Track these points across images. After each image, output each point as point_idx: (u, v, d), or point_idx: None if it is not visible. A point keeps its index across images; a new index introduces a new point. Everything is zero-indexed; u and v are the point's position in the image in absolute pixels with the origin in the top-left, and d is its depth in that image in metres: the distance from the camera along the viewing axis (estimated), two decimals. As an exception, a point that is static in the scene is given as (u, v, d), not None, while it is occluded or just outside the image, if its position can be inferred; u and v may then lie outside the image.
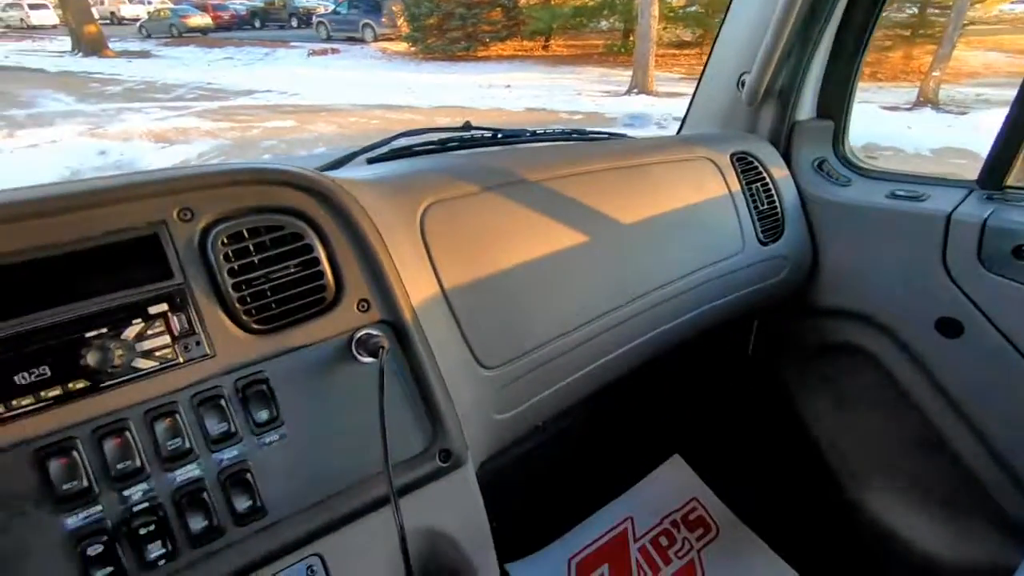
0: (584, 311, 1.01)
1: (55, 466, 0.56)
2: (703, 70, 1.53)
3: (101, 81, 11.18)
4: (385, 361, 0.67)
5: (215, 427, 0.63)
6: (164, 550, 0.60)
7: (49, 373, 0.57)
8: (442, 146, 1.25)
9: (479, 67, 12.87)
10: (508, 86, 10.66)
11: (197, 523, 0.62)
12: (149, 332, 0.61)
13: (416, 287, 0.78)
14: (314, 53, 14.47)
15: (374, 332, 0.72)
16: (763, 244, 1.26)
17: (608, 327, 1.04)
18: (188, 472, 0.62)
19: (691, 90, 1.56)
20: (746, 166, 1.31)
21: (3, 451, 0.55)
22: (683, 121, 1.60)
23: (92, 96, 9.75)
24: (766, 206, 1.29)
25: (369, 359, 0.72)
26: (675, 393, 1.73)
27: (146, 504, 0.60)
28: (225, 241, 0.65)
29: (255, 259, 0.67)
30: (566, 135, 1.39)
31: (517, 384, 0.91)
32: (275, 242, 0.68)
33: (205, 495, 0.62)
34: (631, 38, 12.56)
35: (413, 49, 14.24)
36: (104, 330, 0.59)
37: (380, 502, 0.71)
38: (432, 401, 0.76)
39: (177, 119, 8.14)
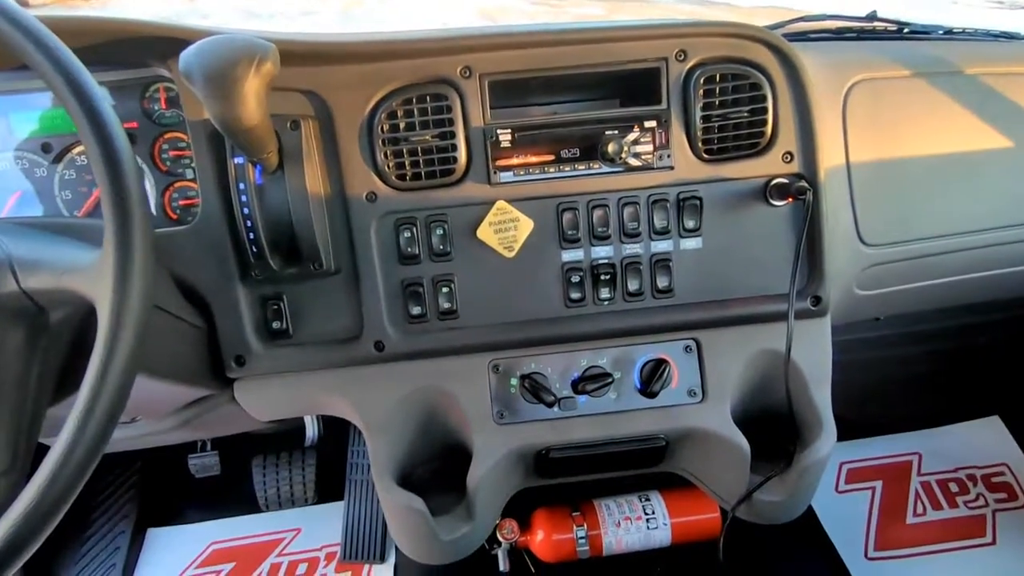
0: (975, 218, 0.98)
1: (567, 217, 0.84)
2: None
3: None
4: (809, 203, 0.79)
5: (658, 222, 0.85)
6: (609, 295, 0.86)
7: (578, 153, 0.82)
8: (837, 35, 1.24)
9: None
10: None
11: (632, 284, 0.86)
12: (641, 140, 0.83)
13: (826, 153, 0.87)
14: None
15: (791, 180, 0.84)
16: None
17: (990, 243, 1.00)
18: (634, 248, 0.86)
19: None
20: None
21: (543, 198, 0.83)
22: None
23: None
24: None
25: (780, 202, 0.86)
26: (1017, 349, 1.54)
27: (606, 261, 0.85)
28: (702, 81, 0.82)
29: (719, 99, 0.83)
30: (992, 36, 1.24)
31: (886, 268, 0.97)
32: (737, 88, 0.83)
33: (640, 267, 0.86)
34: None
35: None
36: (616, 131, 0.82)
37: (757, 317, 0.88)
38: (817, 251, 0.87)
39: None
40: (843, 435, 0.91)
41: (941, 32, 1.24)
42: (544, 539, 1.18)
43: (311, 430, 1.36)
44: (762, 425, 0.93)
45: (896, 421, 1.58)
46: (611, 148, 0.81)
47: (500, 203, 0.81)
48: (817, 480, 0.90)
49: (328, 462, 1.45)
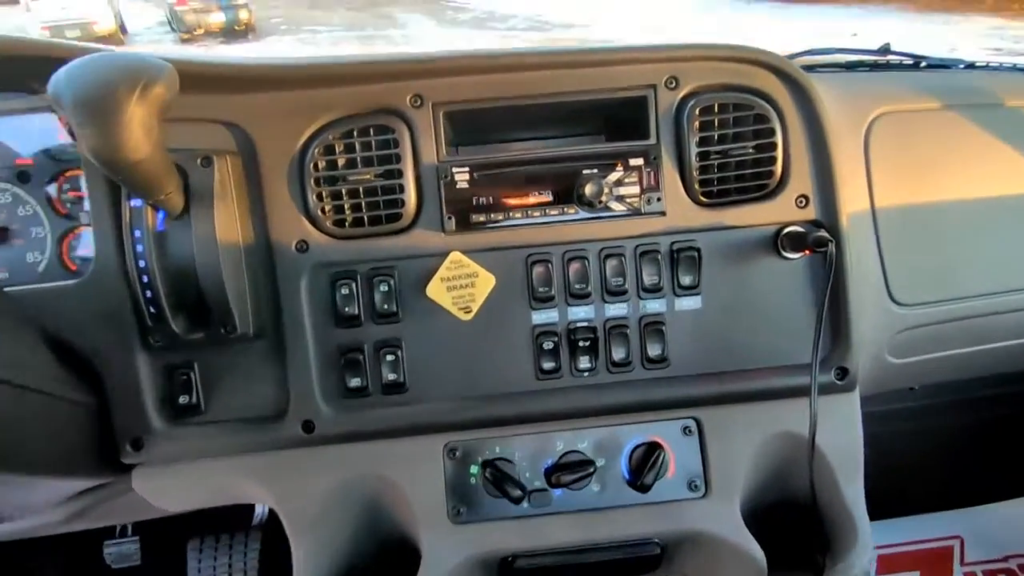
0: (1022, 273, 0.83)
1: (537, 271, 0.70)
2: None
3: (455, 10, 12.95)
4: (831, 256, 0.65)
5: (648, 278, 0.71)
6: (590, 365, 0.71)
7: (551, 196, 0.69)
8: (849, 68, 1.12)
9: (820, 10, 11.19)
10: (855, 35, 9.06)
11: (618, 352, 0.71)
12: (626, 180, 0.69)
13: (848, 196, 0.73)
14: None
15: (807, 229, 0.70)
16: None
17: None
18: (619, 309, 0.71)
19: None
20: None
21: (508, 248, 0.70)
22: None
23: (447, 23, 11.40)
24: None
25: (794, 255, 0.71)
26: None
27: (586, 323, 0.71)
28: (698, 112, 0.69)
29: (718, 133, 0.70)
30: (1019, 70, 1.11)
31: (921, 332, 0.81)
32: (739, 120, 0.70)
33: (627, 332, 0.71)
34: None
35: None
36: (596, 170, 0.69)
37: (771, 393, 0.72)
38: (842, 313, 0.72)
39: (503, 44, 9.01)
40: (874, 514, 0.74)
41: (962, 66, 1.12)
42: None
43: (260, 506, 1.19)
44: (780, 526, 0.76)
45: (933, 498, 1.39)
46: (589, 190, 0.67)
47: (455, 255, 0.68)
48: None
49: (277, 545, 1.27)
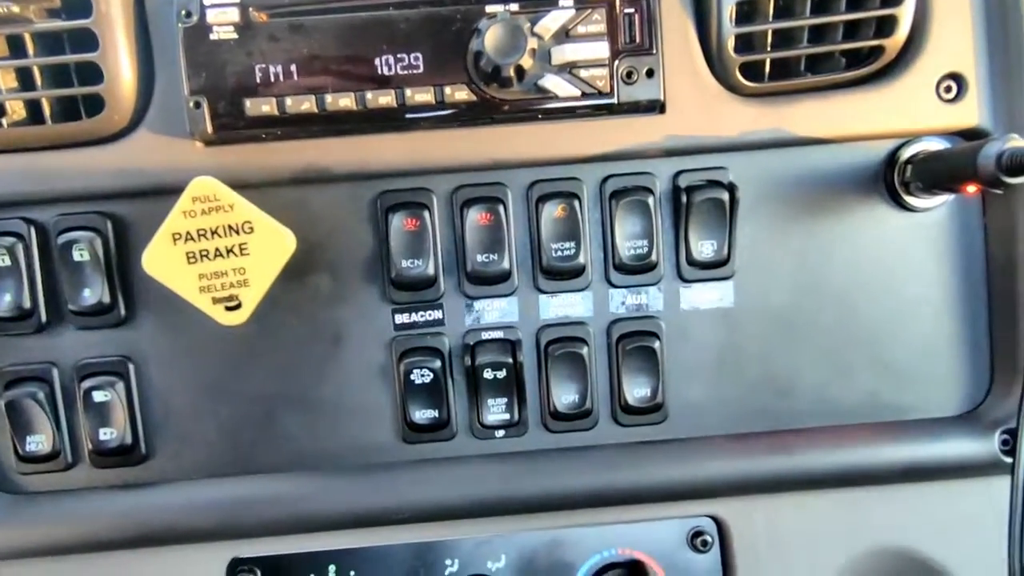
0: None
1: (397, 226, 0.34)
2: None
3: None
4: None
5: (626, 245, 0.36)
6: (507, 415, 0.37)
7: (422, 65, 0.32)
8: None
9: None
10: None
11: (563, 392, 0.37)
12: (581, 29, 0.32)
13: None
14: None
15: (958, 148, 0.34)
16: None
17: None
18: (567, 305, 0.37)
19: None
20: None
21: (330, 182, 0.34)
22: None
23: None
24: None
25: (929, 200, 0.35)
26: None
27: (499, 333, 0.36)
28: None
29: None
30: None
31: None
32: None
33: (583, 352, 0.36)
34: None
35: None
36: (514, 4, 0.32)
37: (873, 474, 0.37)
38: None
39: None
40: None
41: None
42: None
43: None
44: None
45: None
46: (501, 50, 0.30)
47: (201, 184, 0.31)
48: None
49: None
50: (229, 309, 0.32)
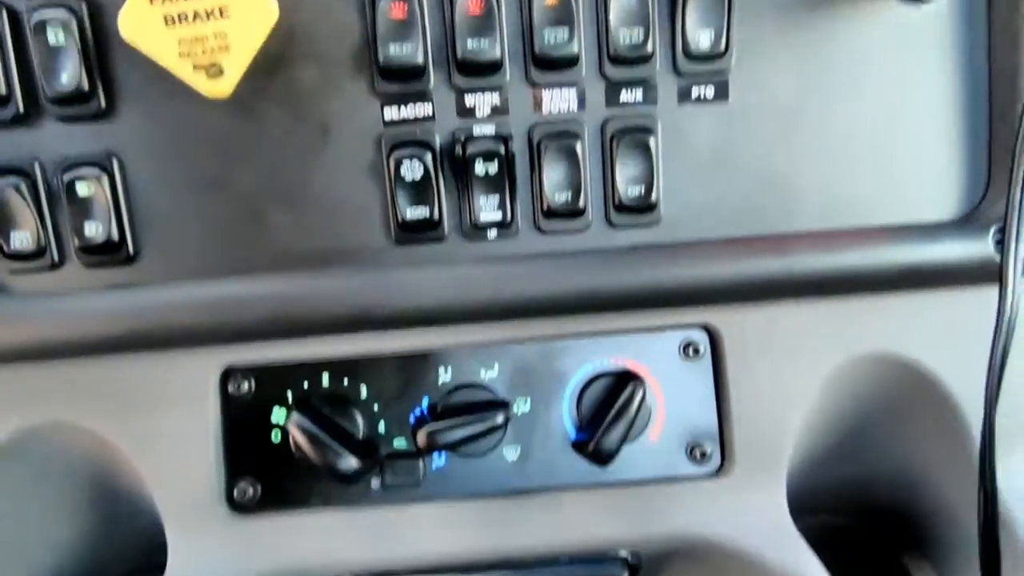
0: None
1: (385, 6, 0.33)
2: None
3: None
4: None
5: (623, 31, 0.34)
6: (499, 214, 0.36)
7: None
8: None
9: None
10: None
11: (556, 188, 0.36)
12: None
13: None
14: None
15: None
16: None
17: None
18: (560, 99, 0.35)
19: None
20: None
21: None
22: None
23: None
24: None
25: None
26: None
27: (490, 130, 0.35)
28: None
29: None
30: None
31: None
32: None
33: (575, 146, 0.35)
34: None
35: None
36: None
37: (866, 279, 0.36)
38: None
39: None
40: None
41: None
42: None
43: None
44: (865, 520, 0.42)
45: None
46: None
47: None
48: None
49: None
50: (211, 77, 0.31)
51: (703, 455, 0.38)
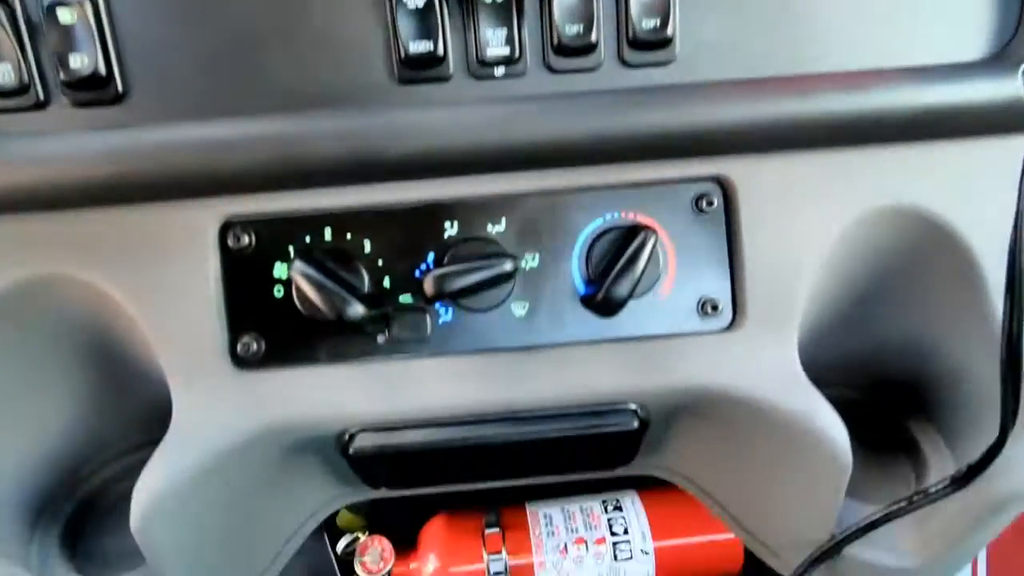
0: None
1: None
2: None
3: None
4: None
5: None
6: (507, 50, 0.35)
7: None
8: None
9: None
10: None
11: (568, 20, 0.34)
12: None
13: None
14: None
15: None
16: None
17: None
18: None
19: None
20: None
21: None
22: None
23: None
24: None
25: None
26: None
27: None
28: None
29: None
30: None
31: None
32: None
33: None
34: None
35: None
36: None
37: (889, 126, 0.35)
38: None
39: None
40: None
41: None
42: (439, 572, 0.69)
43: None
44: (870, 391, 0.42)
45: None
46: None
47: None
48: (995, 532, 0.39)
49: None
50: None
51: (714, 308, 0.38)
